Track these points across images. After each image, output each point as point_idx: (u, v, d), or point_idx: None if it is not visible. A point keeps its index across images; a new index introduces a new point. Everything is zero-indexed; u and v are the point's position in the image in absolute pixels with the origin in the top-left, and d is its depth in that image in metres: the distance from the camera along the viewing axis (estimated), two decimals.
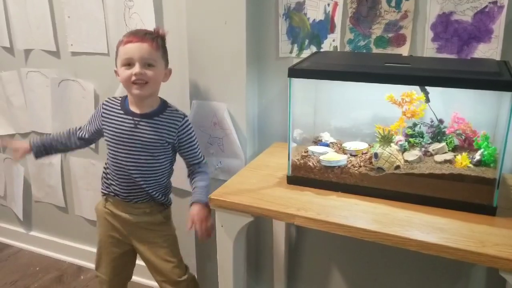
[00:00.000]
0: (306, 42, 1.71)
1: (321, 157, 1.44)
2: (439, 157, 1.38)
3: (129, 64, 1.53)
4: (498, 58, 1.46)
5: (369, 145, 1.53)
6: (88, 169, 2.29)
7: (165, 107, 1.63)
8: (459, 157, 1.34)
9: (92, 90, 2.13)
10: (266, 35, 1.75)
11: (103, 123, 1.64)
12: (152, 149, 1.59)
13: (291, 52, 1.74)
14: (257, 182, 1.48)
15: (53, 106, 2.24)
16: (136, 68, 1.51)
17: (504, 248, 1.10)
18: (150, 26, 1.86)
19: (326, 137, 1.62)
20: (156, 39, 1.56)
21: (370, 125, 1.54)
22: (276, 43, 1.74)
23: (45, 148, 1.73)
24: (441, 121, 1.47)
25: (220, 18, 1.67)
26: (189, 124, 1.65)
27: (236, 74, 1.71)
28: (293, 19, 1.70)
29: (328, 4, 1.64)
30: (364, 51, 1.63)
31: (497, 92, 1.27)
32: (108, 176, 1.68)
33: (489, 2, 1.43)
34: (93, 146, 2.21)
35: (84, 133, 1.72)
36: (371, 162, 1.41)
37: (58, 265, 2.51)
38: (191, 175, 1.68)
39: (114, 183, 1.65)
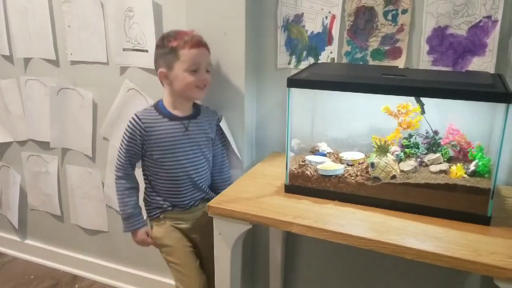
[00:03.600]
0: (304, 53, 1.73)
1: (319, 167, 1.46)
2: (434, 168, 1.40)
3: (195, 70, 1.56)
4: (492, 71, 1.49)
5: (365, 155, 1.55)
6: (85, 178, 2.29)
7: (198, 106, 1.70)
8: (454, 167, 1.36)
9: (91, 99, 2.14)
10: (265, 47, 1.78)
11: (148, 138, 1.59)
12: (203, 147, 1.65)
13: (289, 63, 1.76)
14: (255, 191, 1.49)
15: (51, 115, 2.25)
16: (204, 74, 1.58)
17: (498, 257, 1.12)
18: (150, 36, 1.89)
19: (324, 147, 1.64)
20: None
21: (366, 136, 1.56)
22: (275, 54, 1.77)
23: (140, 211, 1.70)
24: (436, 132, 1.49)
25: (219, 29, 1.70)
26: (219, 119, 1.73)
27: (235, 84, 1.73)
28: (291, 31, 1.73)
29: (326, 17, 1.67)
30: (361, 63, 1.66)
31: (491, 104, 1.29)
32: (161, 192, 1.65)
33: (484, 17, 1.47)
34: (89, 154, 2.22)
35: (131, 166, 1.66)
36: (367, 172, 1.43)
37: (53, 273, 2.50)
38: (219, 173, 1.75)
39: (171, 196, 1.65)
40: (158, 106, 1.63)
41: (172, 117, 1.61)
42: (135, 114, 1.61)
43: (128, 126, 1.60)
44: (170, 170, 1.62)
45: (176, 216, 1.68)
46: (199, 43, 1.57)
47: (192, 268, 1.67)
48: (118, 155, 1.64)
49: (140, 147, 1.61)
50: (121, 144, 1.63)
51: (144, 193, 1.71)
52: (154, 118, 1.61)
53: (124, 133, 1.62)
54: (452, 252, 1.14)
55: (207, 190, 1.71)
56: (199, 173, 1.65)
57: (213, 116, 1.71)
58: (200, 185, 1.67)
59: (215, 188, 1.73)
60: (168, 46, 1.55)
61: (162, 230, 1.68)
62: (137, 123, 1.59)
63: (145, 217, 1.72)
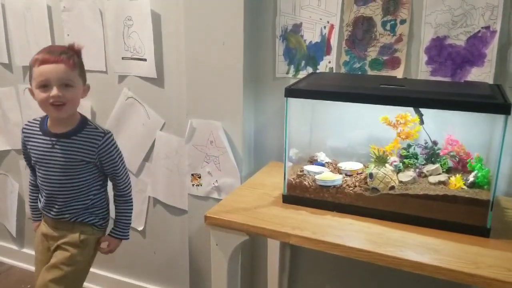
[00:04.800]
0: (303, 63, 1.73)
1: (317, 177, 1.45)
2: (433, 178, 1.39)
3: (45, 85, 1.48)
4: (491, 81, 1.49)
5: (364, 165, 1.54)
6: None
7: (84, 125, 1.60)
8: (453, 178, 1.35)
9: (89, 108, 2.14)
10: (263, 56, 1.78)
11: (28, 147, 1.63)
12: (70, 169, 1.58)
13: (287, 73, 1.76)
14: (253, 201, 1.48)
15: None
16: (54, 91, 1.47)
17: (497, 269, 1.11)
18: (149, 45, 1.89)
19: (322, 157, 1.63)
20: (73, 57, 1.52)
21: (365, 146, 1.55)
22: (273, 63, 1.77)
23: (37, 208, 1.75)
24: (435, 143, 1.49)
25: (218, 38, 1.70)
26: (112, 142, 1.62)
27: (233, 93, 1.73)
28: (290, 41, 1.73)
29: (325, 27, 1.67)
30: (359, 73, 1.65)
31: (490, 115, 1.28)
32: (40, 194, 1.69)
33: (482, 27, 1.47)
34: None
35: (31, 166, 1.70)
36: (366, 182, 1.42)
37: None
38: (114, 192, 1.70)
39: (43, 201, 1.65)
40: (44, 119, 1.63)
41: (45, 132, 1.59)
42: (25, 123, 1.68)
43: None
44: (39, 179, 1.64)
45: (46, 219, 1.69)
46: (51, 58, 1.47)
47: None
48: None
49: (26, 152, 1.66)
50: None
51: None
52: (33, 129, 1.63)
53: None
54: (450, 264, 1.13)
55: (80, 212, 1.63)
56: (62, 192, 1.60)
57: (96, 138, 1.59)
58: (62, 203, 1.61)
59: (114, 203, 1.71)
60: (30, 63, 1.53)
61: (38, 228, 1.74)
62: (21, 131, 1.66)
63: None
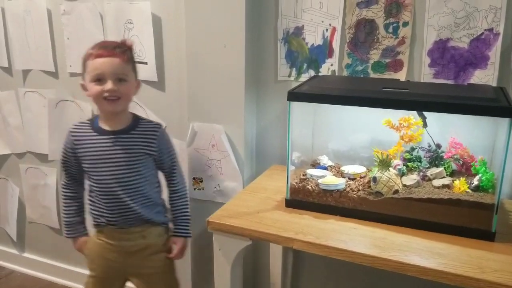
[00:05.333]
0: (305, 66, 1.72)
1: (320, 181, 1.44)
2: (437, 182, 1.38)
3: (99, 79, 1.47)
4: (494, 84, 1.48)
5: (367, 168, 1.53)
6: None
7: (138, 119, 1.60)
8: (457, 182, 1.35)
9: (90, 111, 2.13)
10: (265, 59, 1.77)
11: (78, 151, 1.57)
12: (133, 164, 1.55)
13: (289, 76, 1.75)
14: (255, 205, 1.47)
15: (50, 127, 2.23)
16: (109, 85, 1.46)
17: (503, 274, 1.10)
18: (149, 48, 1.88)
19: (325, 160, 1.62)
20: (126, 52, 1.51)
21: (368, 149, 1.55)
22: (275, 66, 1.76)
23: (80, 220, 1.70)
24: (438, 146, 1.48)
25: (219, 41, 1.69)
26: (167, 133, 1.63)
27: (234, 96, 1.72)
28: (291, 44, 1.72)
29: (327, 29, 1.66)
30: (362, 75, 1.65)
31: (494, 118, 1.28)
32: (96, 205, 1.59)
33: (485, 30, 1.46)
34: None
35: (71, 176, 1.65)
36: (369, 186, 1.41)
37: (51, 287, 2.47)
38: (169, 188, 1.67)
39: (104, 212, 1.57)
40: (93, 120, 1.59)
41: (101, 132, 1.55)
42: (71, 127, 1.61)
43: (64, 140, 1.61)
44: (96, 184, 1.56)
45: (110, 234, 1.60)
46: (106, 52, 1.47)
47: None
48: None
49: (72, 159, 1.59)
50: None
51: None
52: (84, 131, 1.57)
53: (62, 146, 1.63)
54: (455, 269, 1.12)
55: (152, 212, 1.61)
56: (125, 189, 1.55)
57: (154, 130, 1.59)
58: (129, 203, 1.55)
59: (169, 201, 1.68)
60: (83, 57, 1.52)
61: (90, 245, 1.66)
62: (67, 136, 1.59)
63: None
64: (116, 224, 1.58)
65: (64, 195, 1.68)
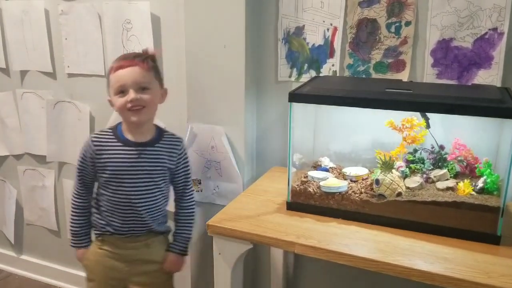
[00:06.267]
0: (306, 66, 1.70)
1: (321, 183, 1.42)
2: (441, 184, 1.36)
3: (122, 91, 1.46)
4: (498, 84, 1.46)
5: (369, 170, 1.51)
6: None
7: (162, 132, 1.60)
8: (461, 184, 1.32)
9: (88, 112, 2.11)
10: (265, 59, 1.75)
11: (99, 161, 1.53)
12: (155, 177, 1.55)
13: (290, 76, 1.73)
14: (256, 208, 1.45)
15: (48, 128, 2.21)
16: (131, 94, 1.45)
17: (509, 279, 1.07)
18: (149, 48, 1.85)
19: (326, 162, 1.60)
20: (147, 59, 1.50)
21: (370, 150, 1.52)
22: (275, 67, 1.74)
23: (88, 231, 1.67)
24: (442, 147, 1.46)
25: (219, 41, 1.67)
26: (186, 148, 1.63)
27: (235, 97, 1.70)
28: (292, 44, 1.70)
29: (328, 29, 1.64)
30: (364, 76, 1.62)
31: (498, 119, 1.26)
32: (105, 214, 1.58)
33: (489, 29, 1.43)
34: None
35: (84, 186, 1.61)
36: (372, 189, 1.39)
37: None
38: (179, 203, 1.65)
39: (114, 221, 1.56)
40: (116, 129, 1.56)
41: (127, 143, 1.53)
42: (92, 136, 1.56)
43: (82, 147, 1.57)
44: (113, 194, 1.54)
45: (114, 242, 1.59)
46: (126, 62, 1.47)
47: None
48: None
49: (90, 168, 1.56)
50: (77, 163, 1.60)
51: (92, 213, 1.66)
52: (107, 140, 1.54)
53: (79, 153, 1.58)
54: (461, 274, 1.10)
55: (158, 222, 1.61)
56: (144, 203, 1.54)
57: (176, 144, 1.59)
58: (144, 215, 1.55)
59: (176, 215, 1.67)
60: (107, 73, 1.52)
61: (89, 254, 1.64)
62: (89, 144, 1.55)
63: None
64: (124, 233, 1.57)
65: (76, 205, 1.63)
